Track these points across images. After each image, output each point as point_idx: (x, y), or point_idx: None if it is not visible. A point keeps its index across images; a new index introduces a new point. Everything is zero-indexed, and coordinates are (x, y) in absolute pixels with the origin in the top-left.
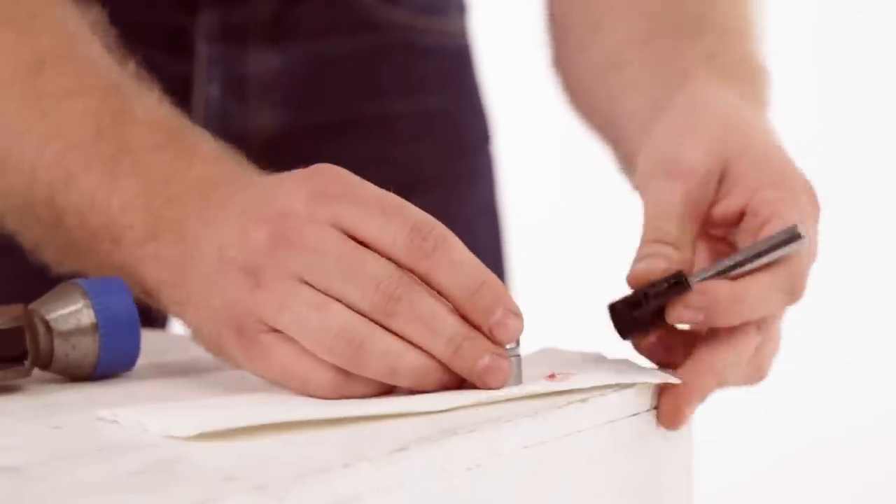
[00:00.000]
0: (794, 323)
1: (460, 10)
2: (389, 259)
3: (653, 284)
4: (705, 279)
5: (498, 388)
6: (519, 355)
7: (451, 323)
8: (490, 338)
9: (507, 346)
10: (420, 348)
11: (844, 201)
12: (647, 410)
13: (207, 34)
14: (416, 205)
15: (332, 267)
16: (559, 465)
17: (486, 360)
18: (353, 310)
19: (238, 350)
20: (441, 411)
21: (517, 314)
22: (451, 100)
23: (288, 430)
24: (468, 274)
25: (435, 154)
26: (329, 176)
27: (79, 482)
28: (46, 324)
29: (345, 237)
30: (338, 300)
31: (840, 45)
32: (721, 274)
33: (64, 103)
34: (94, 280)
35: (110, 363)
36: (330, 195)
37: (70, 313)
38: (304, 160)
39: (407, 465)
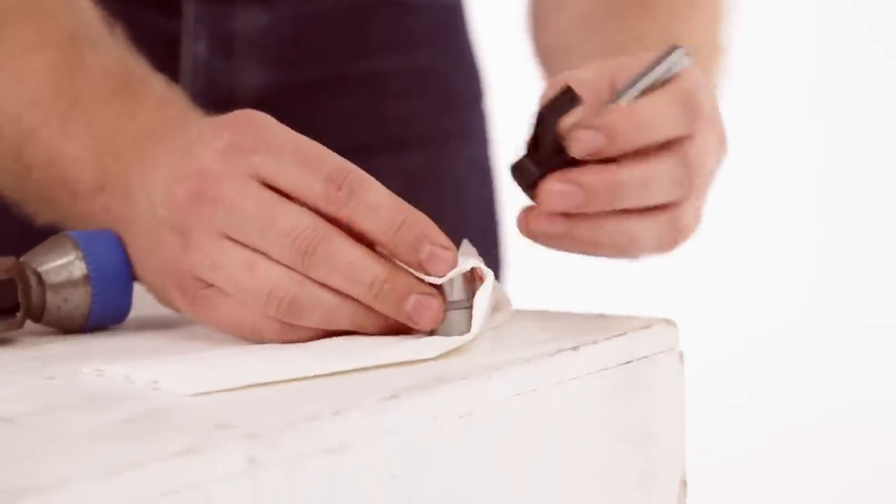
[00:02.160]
0: (794, 302)
1: None
2: (310, 207)
3: (547, 104)
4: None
5: (429, 327)
6: (470, 307)
7: (370, 267)
8: (424, 273)
9: (457, 298)
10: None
11: (842, 195)
12: (639, 359)
13: None
14: (407, 161)
15: (251, 223)
16: (550, 413)
17: (412, 301)
18: (281, 263)
19: (183, 305)
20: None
21: (446, 246)
22: (441, 56)
23: (278, 383)
24: (386, 215)
25: (426, 110)
26: (245, 125)
27: (71, 431)
28: (38, 276)
29: (263, 189)
30: (265, 254)
31: (838, 43)
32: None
33: (24, 59)
34: (86, 232)
35: (102, 315)
36: (245, 147)
37: (62, 265)
38: (292, 118)
39: (398, 412)
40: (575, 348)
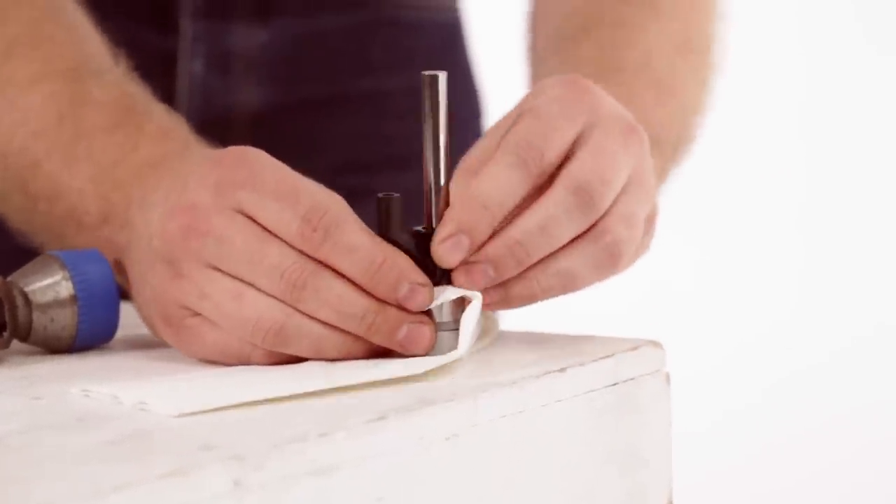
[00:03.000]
0: (780, 317)
1: None
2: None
3: (384, 226)
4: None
5: (423, 354)
6: (457, 329)
7: (359, 301)
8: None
9: (445, 320)
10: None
11: (841, 195)
12: (626, 381)
13: (192, 10)
14: (407, 180)
15: (239, 257)
16: (537, 435)
17: (403, 331)
18: (270, 294)
19: (167, 335)
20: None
21: (423, 283)
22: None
23: (264, 403)
24: (363, 257)
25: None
26: (234, 161)
27: (58, 452)
28: (25, 296)
29: (250, 224)
30: (253, 285)
31: (835, 43)
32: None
33: (28, 91)
34: (73, 252)
35: (89, 335)
36: (234, 182)
37: (48, 285)
38: (291, 136)
39: (384, 434)
40: (562, 370)
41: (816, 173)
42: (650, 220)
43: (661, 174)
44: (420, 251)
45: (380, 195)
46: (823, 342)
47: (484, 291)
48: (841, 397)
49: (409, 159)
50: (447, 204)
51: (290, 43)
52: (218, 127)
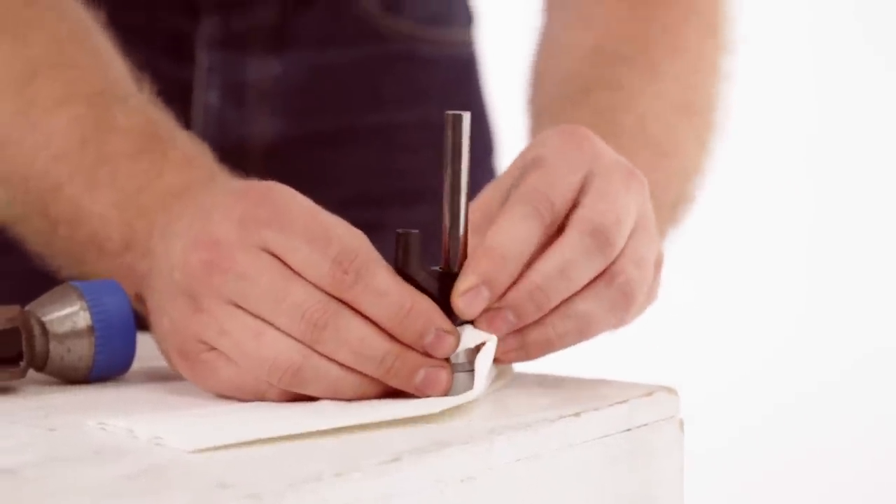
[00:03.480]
0: (783, 330)
1: (467, 20)
2: (318, 286)
3: (403, 261)
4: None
5: (439, 396)
6: (472, 370)
7: (379, 344)
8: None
9: (461, 361)
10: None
11: (846, 201)
12: (640, 427)
13: (209, 41)
14: (417, 214)
15: (261, 295)
16: (552, 479)
17: (421, 375)
18: (289, 334)
19: (183, 369)
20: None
21: (450, 331)
22: (450, 110)
23: (279, 440)
24: (392, 302)
25: (436, 164)
26: (261, 197)
27: (73, 485)
28: (42, 325)
29: (275, 262)
30: (272, 325)
31: (839, 46)
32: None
33: (52, 113)
34: (91, 282)
35: (106, 366)
36: (260, 220)
37: (66, 315)
38: (303, 169)
39: (400, 475)
40: (577, 414)
41: (823, 199)
42: (657, 266)
43: (660, 234)
44: (439, 292)
45: (399, 231)
46: (829, 368)
47: (501, 340)
48: (849, 426)
49: (421, 193)
50: (465, 247)
51: (305, 75)
52: (232, 157)
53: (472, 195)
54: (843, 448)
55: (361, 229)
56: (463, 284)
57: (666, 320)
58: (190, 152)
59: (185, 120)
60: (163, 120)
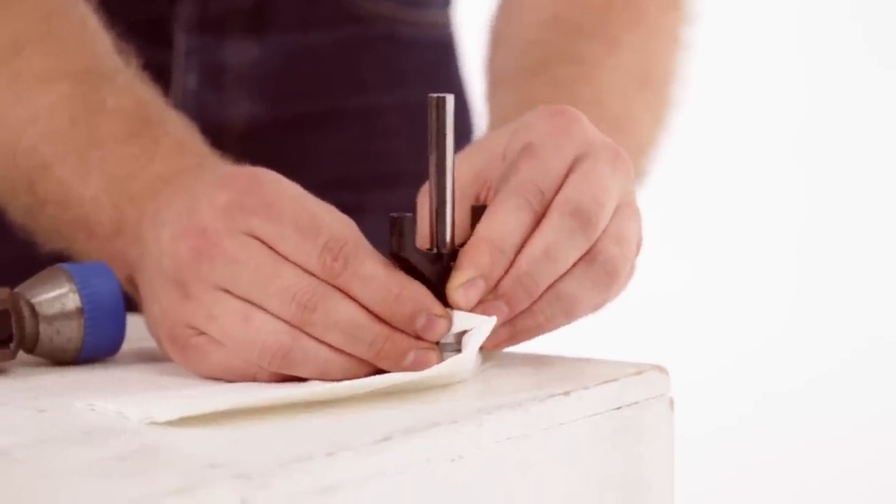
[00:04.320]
0: (775, 318)
1: (444, 1)
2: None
3: (396, 244)
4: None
5: None
6: (459, 350)
7: (369, 326)
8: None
9: (448, 342)
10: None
11: (843, 199)
12: (630, 405)
13: (186, 24)
14: (398, 197)
15: (250, 279)
16: (541, 458)
17: (411, 357)
18: (278, 317)
19: (173, 353)
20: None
21: (441, 315)
22: (433, 92)
23: (268, 415)
24: (381, 287)
25: (415, 147)
26: (248, 184)
27: (64, 466)
28: (32, 307)
29: (263, 247)
30: (262, 308)
31: (835, 46)
32: (439, 220)
33: (39, 88)
34: (80, 264)
35: (95, 348)
36: (246, 207)
37: (55, 297)
38: (282, 152)
39: (390, 454)
40: (566, 393)
41: (814, 190)
42: (638, 245)
43: None
44: (432, 274)
45: (393, 215)
46: (822, 356)
47: (492, 331)
48: (842, 410)
49: (401, 176)
50: (454, 228)
51: (283, 58)
52: (211, 141)
53: None
54: (834, 430)
55: (343, 212)
56: (460, 277)
57: (659, 302)
58: (180, 137)
59: None
60: (152, 100)
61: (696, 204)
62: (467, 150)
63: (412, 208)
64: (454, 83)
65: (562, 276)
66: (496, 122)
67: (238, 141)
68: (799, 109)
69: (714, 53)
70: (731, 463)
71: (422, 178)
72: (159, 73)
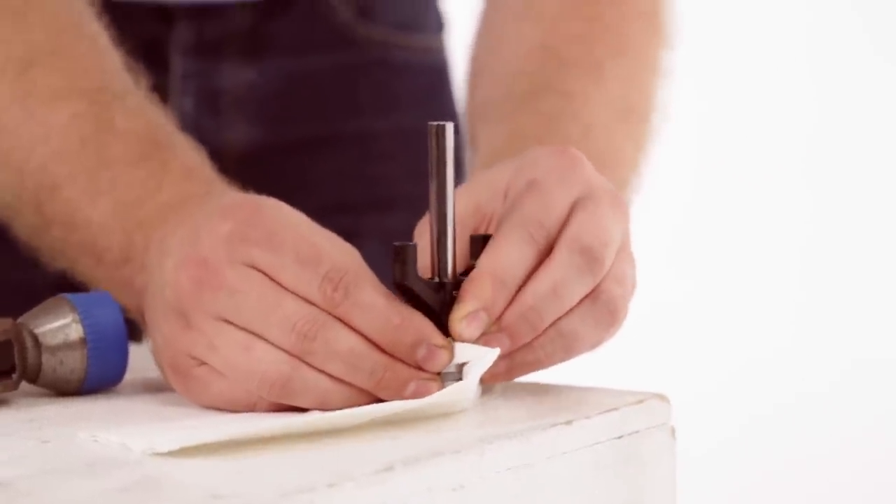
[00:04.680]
0: (775, 336)
1: (438, 26)
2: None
3: (399, 275)
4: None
5: None
6: (461, 378)
7: (370, 356)
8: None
9: (450, 371)
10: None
11: (846, 202)
12: (631, 434)
13: (183, 47)
14: (392, 221)
15: (251, 309)
16: (543, 487)
17: (412, 387)
18: (279, 347)
19: (175, 383)
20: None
21: (442, 345)
22: (427, 117)
23: (270, 446)
24: (382, 317)
25: (410, 172)
26: (249, 215)
27: (67, 498)
28: (35, 338)
29: (264, 278)
30: (262, 338)
31: (839, 45)
32: (441, 248)
33: (51, 106)
34: (83, 295)
35: (98, 378)
36: (248, 238)
37: (58, 328)
38: (279, 176)
39: (392, 484)
40: (568, 422)
41: (817, 204)
42: (633, 288)
43: None
44: (435, 303)
45: (395, 244)
46: (821, 374)
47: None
48: (843, 428)
49: (396, 200)
50: (455, 257)
51: (279, 82)
52: (206, 160)
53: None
54: (835, 453)
55: (339, 237)
56: (463, 309)
57: (658, 325)
58: (189, 162)
59: None
60: (162, 123)
61: (696, 225)
62: (468, 184)
63: (408, 232)
64: (449, 108)
65: (565, 314)
66: (484, 155)
67: (235, 165)
68: (806, 121)
69: (722, 62)
70: (731, 482)
71: (417, 201)
72: (156, 94)
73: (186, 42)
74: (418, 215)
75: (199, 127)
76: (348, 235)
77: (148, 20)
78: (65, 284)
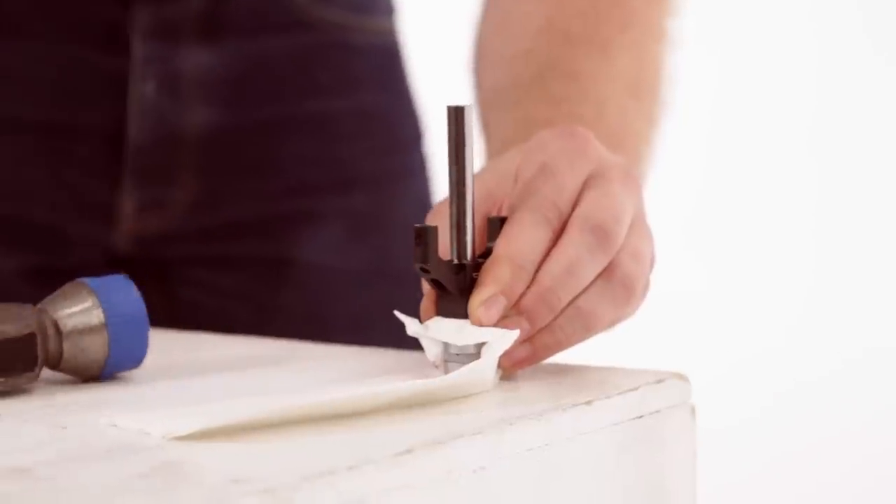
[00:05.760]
0: (790, 317)
1: (389, 9)
2: None
3: (421, 258)
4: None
5: None
6: (477, 355)
7: None
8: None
9: (468, 352)
10: None
11: (846, 198)
12: (651, 413)
13: (142, 31)
14: (354, 202)
15: None
16: (563, 468)
17: None
18: None
19: None
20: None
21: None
22: (385, 98)
23: (290, 428)
24: None
25: (371, 151)
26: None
27: (87, 484)
28: (56, 325)
29: None
30: None
31: (840, 45)
32: (461, 234)
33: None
34: (101, 279)
35: (119, 362)
36: None
37: (78, 312)
38: (241, 159)
39: (412, 466)
40: (588, 402)
41: (831, 185)
42: (651, 261)
43: None
44: (455, 284)
45: (417, 226)
46: (836, 356)
47: (512, 350)
48: (855, 409)
49: (357, 181)
50: (474, 238)
51: (237, 65)
52: (169, 148)
53: (399, 181)
54: (852, 434)
55: (301, 218)
56: (482, 294)
57: (675, 307)
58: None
59: (122, 112)
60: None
61: (712, 211)
62: (478, 171)
63: (370, 213)
64: (404, 89)
65: (581, 292)
66: (496, 143)
67: (196, 148)
68: (809, 117)
69: (727, 58)
70: (748, 464)
71: (379, 181)
72: (117, 81)
73: (146, 25)
74: (380, 195)
75: (161, 111)
76: (312, 217)
77: (106, 5)
78: (32, 273)
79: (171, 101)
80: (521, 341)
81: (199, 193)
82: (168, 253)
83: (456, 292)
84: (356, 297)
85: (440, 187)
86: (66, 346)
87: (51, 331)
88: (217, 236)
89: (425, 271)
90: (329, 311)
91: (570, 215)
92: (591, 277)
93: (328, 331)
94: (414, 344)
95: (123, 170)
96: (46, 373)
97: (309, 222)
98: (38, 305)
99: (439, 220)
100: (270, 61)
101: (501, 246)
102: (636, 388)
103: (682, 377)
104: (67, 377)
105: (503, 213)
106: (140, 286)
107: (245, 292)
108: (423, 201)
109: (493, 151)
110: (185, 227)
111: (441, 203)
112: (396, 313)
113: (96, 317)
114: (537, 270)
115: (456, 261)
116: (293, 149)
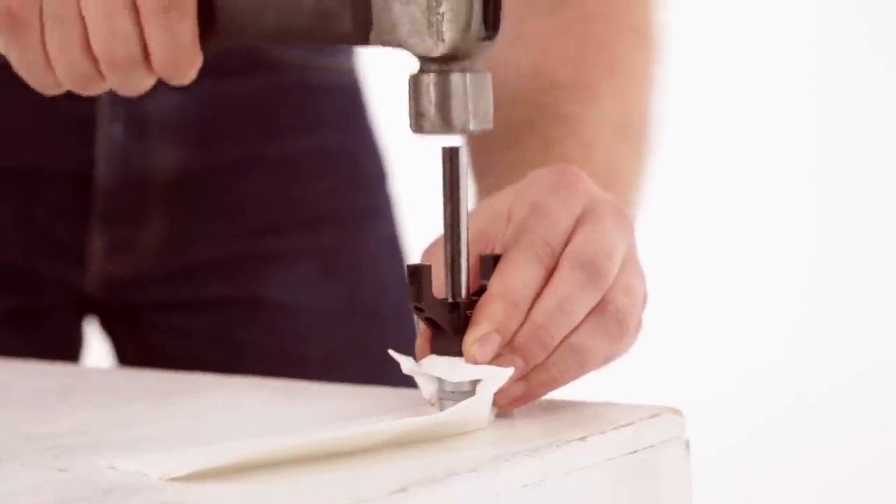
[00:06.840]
0: (785, 341)
1: (349, 48)
2: None
3: (414, 297)
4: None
5: None
6: (472, 392)
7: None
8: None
9: (462, 389)
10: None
11: (852, 211)
12: (646, 448)
13: None
14: (321, 241)
15: None
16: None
17: None
18: None
19: None
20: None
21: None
22: (348, 137)
23: (284, 469)
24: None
25: (336, 191)
26: None
27: None
28: None
29: None
30: None
31: (842, 46)
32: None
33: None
34: None
35: None
36: None
37: None
38: (207, 200)
39: None
40: (582, 438)
41: (825, 210)
42: (644, 298)
43: None
44: (450, 324)
45: (409, 265)
46: (830, 380)
47: (506, 389)
48: (851, 433)
49: (324, 221)
50: (468, 277)
51: (202, 106)
52: (137, 190)
53: (365, 220)
54: (846, 458)
55: (270, 258)
56: (476, 332)
57: (666, 335)
58: None
59: (89, 155)
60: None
61: (705, 232)
62: (471, 211)
63: (338, 252)
64: (366, 128)
65: (574, 329)
66: (487, 187)
67: (164, 189)
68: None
69: (730, 66)
70: (742, 488)
71: (344, 219)
72: (82, 124)
73: None
74: (347, 233)
75: (129, 153)
76: (279, 256)
77: None
78: (4, 315)
79: (138, 143)
80: (516, 379)
81: (167, 235)
82: (138, 297)
83: (450, 330)
84: (328, 336)
85: (406, 226)
86: None
87: None
88: (186, 278)
89: (419, 310)
90: (301, 349)
91: (561, 251)
92: (583, 313)
93: (301, 370)
94: (391, 381)
95: (92, 212)
96: (45, 413)
97: (277, 262)
98: None
99: (433, 258)
100: (235, 103)
101: (495, 284)
102: (630, 424)
103: (676, 412)
104: (66, 425)
105: (496, 252)
106: (111, 331)
107: (216, 334)
108: (390, 239)
109: (484, 193)
110: (155, 270)
111: (434, 242)
112: (391, 352)
113: None
114: (531, 309)
115: (450, 299)
116: (259, 189)
